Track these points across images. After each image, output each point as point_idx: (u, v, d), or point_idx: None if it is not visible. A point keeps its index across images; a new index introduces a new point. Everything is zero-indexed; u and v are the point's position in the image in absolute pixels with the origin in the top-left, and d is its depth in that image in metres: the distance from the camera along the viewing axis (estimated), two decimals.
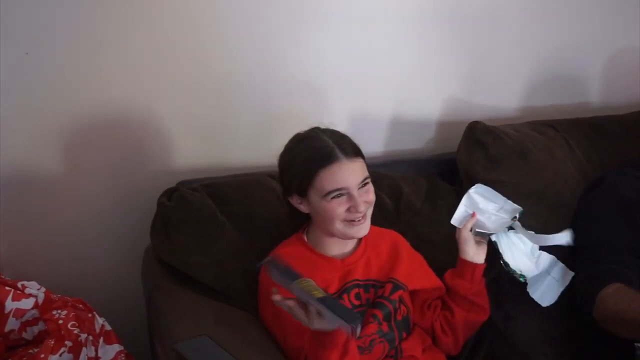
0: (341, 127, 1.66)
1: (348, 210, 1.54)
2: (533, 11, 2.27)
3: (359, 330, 1.28)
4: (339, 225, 1.55)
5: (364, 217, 1.56)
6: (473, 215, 1.68)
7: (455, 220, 1.69)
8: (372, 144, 2.18)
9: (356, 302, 1.59)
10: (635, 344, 1.37)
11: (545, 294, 1.73)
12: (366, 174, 1.57)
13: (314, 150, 1.55)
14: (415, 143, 2.24)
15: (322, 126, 1.63)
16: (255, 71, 1.99)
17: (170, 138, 1.97)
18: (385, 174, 1.99)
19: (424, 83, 2.20)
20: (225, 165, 2.00)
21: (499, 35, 2.25)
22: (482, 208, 1.70)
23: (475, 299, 1.68)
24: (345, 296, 1.57)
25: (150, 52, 1.87)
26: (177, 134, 1.97)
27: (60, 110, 1.85)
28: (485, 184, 1.77)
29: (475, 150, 1.99)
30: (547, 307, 1.73)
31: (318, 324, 1.31)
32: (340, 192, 1.52)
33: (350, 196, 1.53)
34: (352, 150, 1.56)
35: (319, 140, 1.56)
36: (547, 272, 1.74)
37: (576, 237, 1.80)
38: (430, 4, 2.12)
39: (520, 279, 1.69)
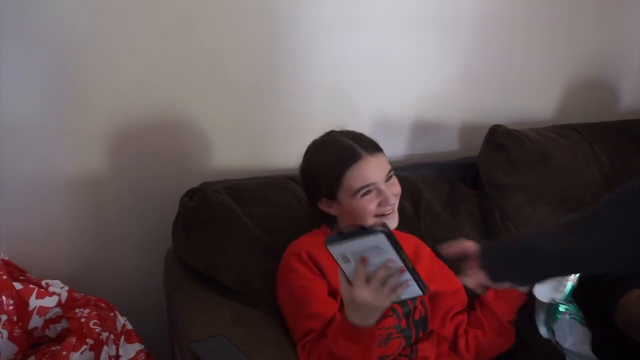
0: (364, 130, 1.66)
1: (379, 204, 1.56)
2: (560, 15, 2.25)
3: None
4: (371, 222, 1.56)
5: (393, 210, 1.58)
6: None
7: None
8: (394, 147, 2.17)
9: None
10: None
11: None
12: (389, 167, 1.60)
13: (337, 152, 1.57)
14: (437, 147, 2.23)
15: (336, 129, 1.64)
16: (280, 75, 2.00)
17: (195, 140, 1.98)
18: (406, 178, 1.97)
19: (447, 86, 2.19)
20: (248, 168, 2.01)
21: (523, 39, 2.23)
22: None
23: (508, 325, 1.68)
24: None
25: (183, 56, 1.88)
26: (203, 137, 1.99)
27: (93, 114, 1.86)
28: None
29: (496, 154, 1.98)
30: None
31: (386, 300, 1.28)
32: (369, 188, 1.54)
33: (379, 191, 1.55)
34: (372, 146, 1.58)
35: (339, 142, 1.58)
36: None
37: None
38: (455, 8, 2.11)
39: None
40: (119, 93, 1.86)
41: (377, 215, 1.56)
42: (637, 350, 1.55)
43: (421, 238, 1.79)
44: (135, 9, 1.79)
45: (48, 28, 1.74)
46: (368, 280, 1.26)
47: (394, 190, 1.58)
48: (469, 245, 1.34)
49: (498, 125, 2.04)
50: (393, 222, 1.59)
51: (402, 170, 2.00)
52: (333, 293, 1.54)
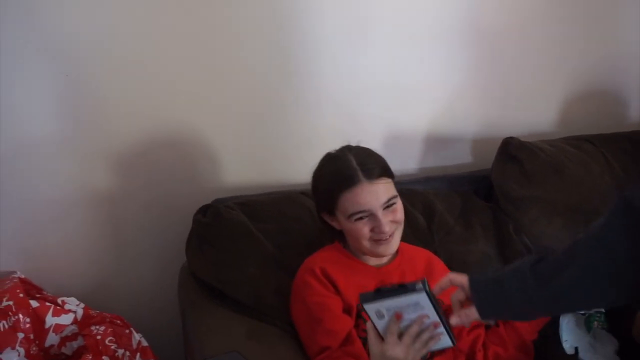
0: (376, 144, 1.68)
1: (372, 230, 1.55)
2: (570, 26, 2.24)
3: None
4: (366, 244, 1.57)
5: (390, 236, 1.56)
6: None
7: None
8: (407, 161, 2.18)
9: None
10: None
11: None
12: (391, 194, 1.57)
13: (338, 172, 1.57)
14: (450, 160, 2.23)
15: (353, 144, 1.64)
16: (289, 90, 2.00)
17: (208, 157, 2.00)
18: (419, 191, 1.98)
19: (458, 99, 2.19)
20: (260, 183, 2.02)
21: (535, 51, 2.23)
22: None
23: (529, 342, 1.67)
24: None
25: (194, 76, 1.90)
26: (215, 153, 2.00)
27: (109, 134, 1.88)
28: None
29: (510, 166, 1.97)
30: None
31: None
32: (362, 215, 1.54)
33: (373, 217, 1.54)
34: (377, 171, 1.56)
35: (343, 162, 1.58)
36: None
37: None
38: (464, 21, 2.12)
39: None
40: (134, 113, 1.88)
41: (371, 240, 1.56)
42: None
43: (435, 252, 1.79)
44: (149, 31, 1.82)
45: (64, 48, 1.77)
46: (400, 336, 1.27)
47: (392, 217, 1.56)
48: (458, 279, 1.31)
49: (511, 138, 2.04)
50: (389, 249, 1.58)
51: (414, 184, 2.01)
52: (348, 309, 1.54)
